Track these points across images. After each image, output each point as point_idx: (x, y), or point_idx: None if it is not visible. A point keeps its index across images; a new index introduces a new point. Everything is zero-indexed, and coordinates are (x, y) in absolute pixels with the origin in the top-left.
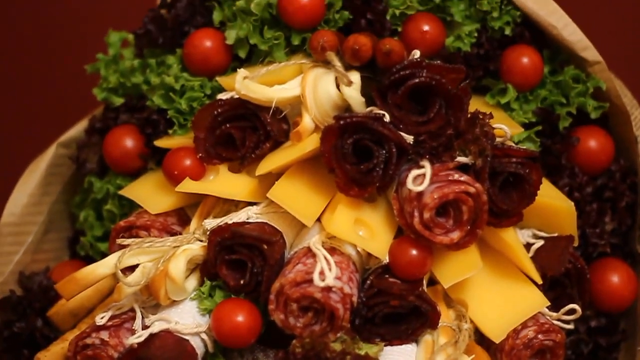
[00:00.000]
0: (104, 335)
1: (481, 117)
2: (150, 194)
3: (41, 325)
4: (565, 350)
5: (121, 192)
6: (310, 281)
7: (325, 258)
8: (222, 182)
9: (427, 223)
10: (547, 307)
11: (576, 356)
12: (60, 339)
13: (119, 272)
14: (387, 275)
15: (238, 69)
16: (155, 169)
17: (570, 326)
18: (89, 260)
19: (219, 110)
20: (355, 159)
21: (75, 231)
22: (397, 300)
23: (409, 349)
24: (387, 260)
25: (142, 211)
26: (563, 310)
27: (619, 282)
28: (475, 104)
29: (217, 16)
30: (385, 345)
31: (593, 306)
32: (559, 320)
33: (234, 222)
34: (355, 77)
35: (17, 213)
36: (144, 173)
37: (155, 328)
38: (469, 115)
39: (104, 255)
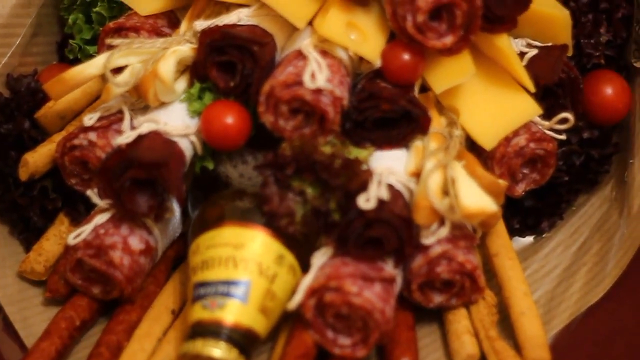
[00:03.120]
0: (92, 136)
1: None
2: None
3: (29, 127)
4: (557, 160)
5: None
6: (300, 83)
7: (316, 60)
8: None
9: (420, 27)
10: (540, 117)
11: (568, 167)
12: (48, 141)
13: (108, 72)
14: (378, 80)
15: None
16: None
17: (563, 136)
18: (78, 63)
19: None
20: None
21: (64, 35)
22: (388, 104)
23: (399, 154)
24: (379, 65)
25: (131, 13)
26: (555, 119)
27: (612, 94)
28: None
29: None
30: (375, 150)
31: (586, 118)
32: (551, 130)
33: (224, 24)
34: None
35: (4, 14)
36: None
37: (144, 129)
38: None
39: (92, 58)
